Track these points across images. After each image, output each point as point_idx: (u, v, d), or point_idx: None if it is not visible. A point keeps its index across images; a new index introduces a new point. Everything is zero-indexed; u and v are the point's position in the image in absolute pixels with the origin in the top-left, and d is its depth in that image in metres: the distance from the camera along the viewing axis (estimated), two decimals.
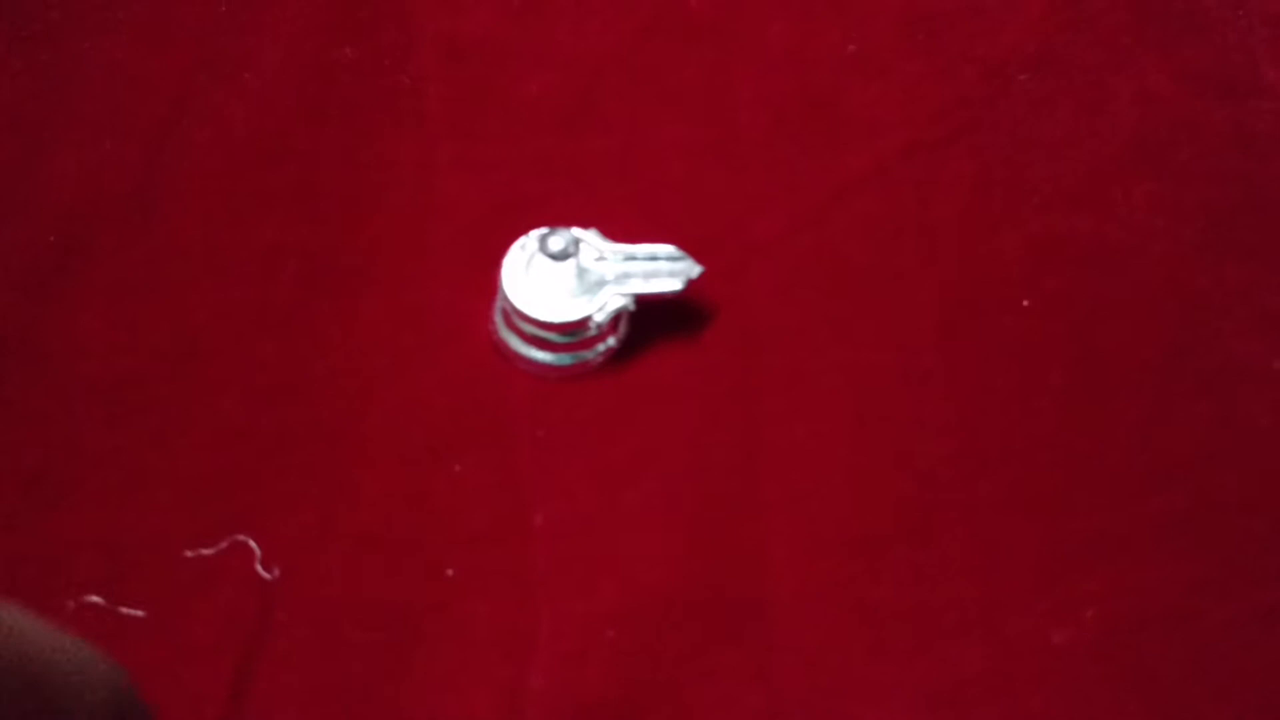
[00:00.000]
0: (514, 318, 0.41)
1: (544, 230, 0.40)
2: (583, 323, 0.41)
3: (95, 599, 0.38)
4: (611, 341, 0.42)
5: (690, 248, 0.41)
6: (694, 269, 0.41)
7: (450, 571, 0.39)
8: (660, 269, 0.41)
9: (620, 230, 0.42)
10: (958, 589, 0.40)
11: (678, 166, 0.47)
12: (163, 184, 0.45)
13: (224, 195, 0.45)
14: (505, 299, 0.41)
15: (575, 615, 0.39)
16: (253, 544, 0.39)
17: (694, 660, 0.38)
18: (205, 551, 0.39)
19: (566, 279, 0.40)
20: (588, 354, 0.42)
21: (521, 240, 0.41)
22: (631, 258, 0.41)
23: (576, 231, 0.41)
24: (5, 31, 0.47)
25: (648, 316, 0.43)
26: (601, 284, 0.40)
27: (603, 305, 0.40)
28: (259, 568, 0.39)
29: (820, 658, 0.39)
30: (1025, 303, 0.45)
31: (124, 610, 0.38)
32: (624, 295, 0.41)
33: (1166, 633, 0.39)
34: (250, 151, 0.45)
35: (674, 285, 0.41)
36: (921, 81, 0.49)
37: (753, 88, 0.48)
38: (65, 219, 0.44)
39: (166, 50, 0.47)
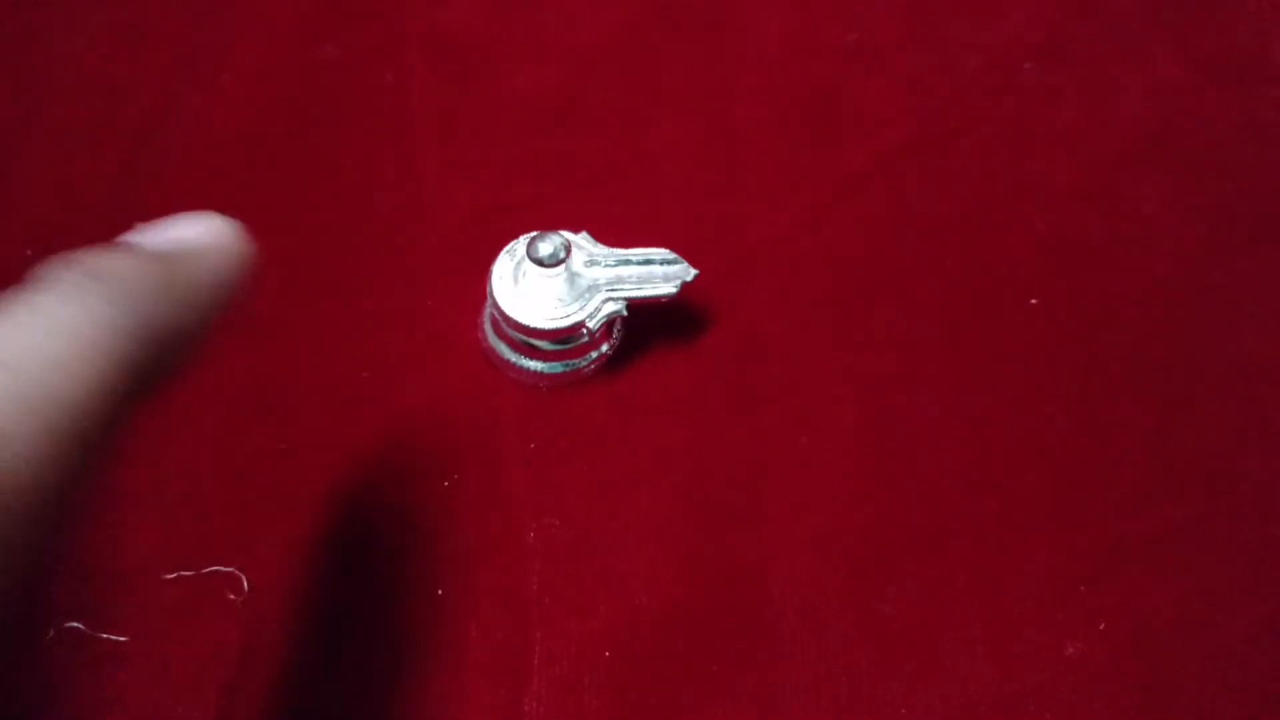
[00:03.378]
0: (503, 325, 0.40)
1: (533, 234, 0.39)
2: (575, 329, 0.39)
3: (75, 625, 0.37)
4: (605, 348, 0.41)
5: (685, 249, 0.40)
6: (689, 272, 0.40)
7: (440, 591, 0.38)
8: (654, 273, 0.39)
9: (612, 232, 0.41)
10: (966, 603, 0.38)
11: (672, 165, 0.45)
12: (141, 193, 0.43)
13: (203, 200, 0.43)
14: (494, 305, 0.39)
15: (570, 636, 0.37)
16: (235, 570, 0.38)
17: (694, 682, 0.37)
18: (186, 574, 0.38)
19: (557, 284, 0.39)
20: (580, 362, 0.41)
21: (510, 245, 0.40)
22: (625, 261, 0.39)
23: (567, 235, 0.39)
24: None
25: (642, 322, 0.41)
26: (594, 289, 0.39)
27: (595, 311, 0.39)
28: (244, 588, 0.38)
29: (825, 677, 0.37)
30: (1033, 301, 0.43)
31: (105, 635, 0.37)
32: (617, 300, 0.39)
33: (1182, 645, 0.38)
34: (230, 157, 0.44)
35: (669, 289, 0.39)
36: (924, 73, 0.48)
37: (749, 82, 0.47)
38: (41, 232, 0.42)
39: (143, 54, 0.46)
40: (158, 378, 0.26)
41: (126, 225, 0.42)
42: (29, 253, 0.42)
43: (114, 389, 0.24)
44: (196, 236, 0.28)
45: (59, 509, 0.23)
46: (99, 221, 0.43)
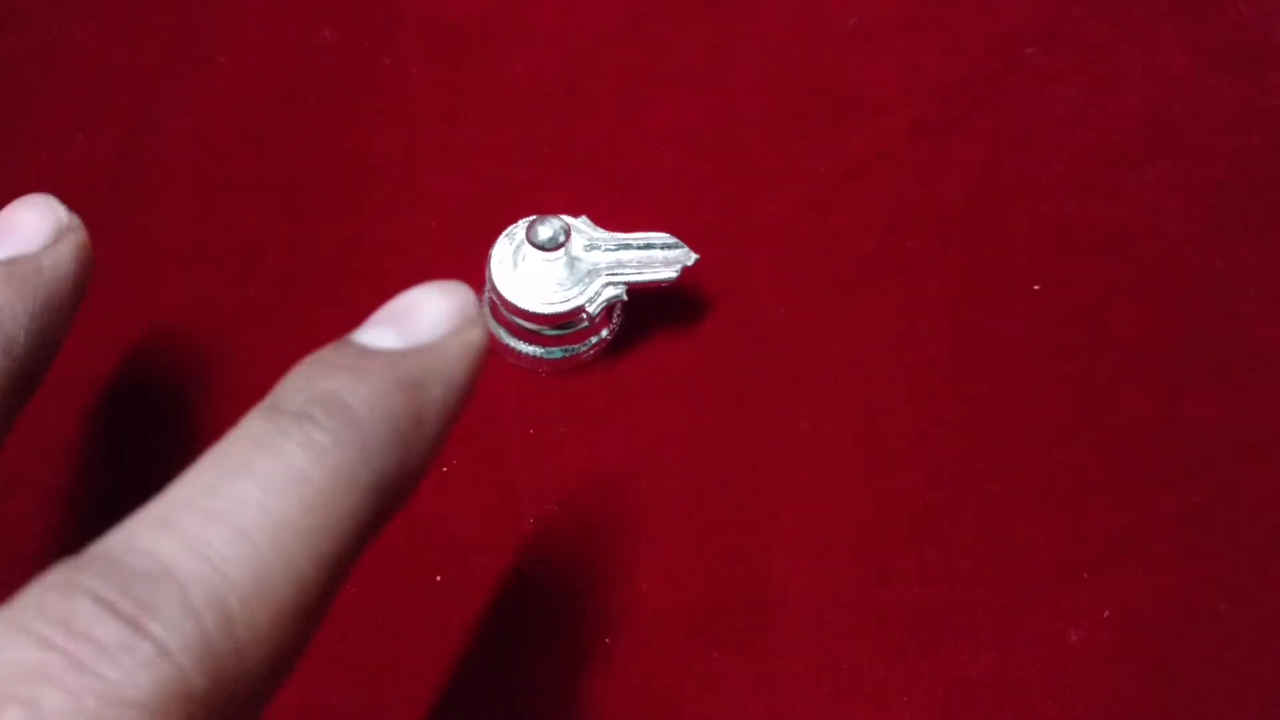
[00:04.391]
0: (502, 309, 0.39)
1: (532, 218, 0.38)
2: (574, 314, 0.39)
3: None
4: (605, 334, 0.41)
5: (686, 235, 0.40)
6: (690, 257, 0.39)
7: (439, 578, 0.37)
8: (655, 257, 0.39)
9: (613, 217, 0.40)
10: (969, 589, 0.38)
11: (672, 150, 0.45)
12: (137, 175, 0.43)
13: (200, 186, 0.43)
14: (493, 290, 0.39)
15: (570, 623, 0.37)
16: None
17: (694, 668, 0.37)
18: None
19: (556, 269, 0.38)
20: (580, 347, 0.40)
21: (509, 229, 0.39)
22: (625, 246, 0.39)
23: (567, 219, 0.39)
24: None
25: (642, 307, 0.41)
26: (593, 274, 0.39)
27: (595, 296, 0.39)
28: None
29: (826, 664, 0.37)
30: (1036, 287, 0.43)
31: None
32: (617, 285, 0.39)
33: (1186, 633, 0.38)
34: (227, 140, 0.44)
35: (669, 274, 0.39)
36: (926, 57, 0.47)
37: (750, 67, 0.47)
38: None
39: (139, 36, 0.45)
40: (378, 529, 0.24)
41: (122, 206, 0.42)
42: None
43: (350, 557, 0.23)
44: (445, 324, 0.26)
45: (273, 685, 0.22)
46: (95, 204, 0.42)
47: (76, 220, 0.29)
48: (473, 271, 0.41)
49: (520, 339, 0.40)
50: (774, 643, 0.37)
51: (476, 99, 0.45)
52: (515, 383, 0.41)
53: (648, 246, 0.39)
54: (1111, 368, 0.42)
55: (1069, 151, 0.46)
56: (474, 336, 0.26)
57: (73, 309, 0.29)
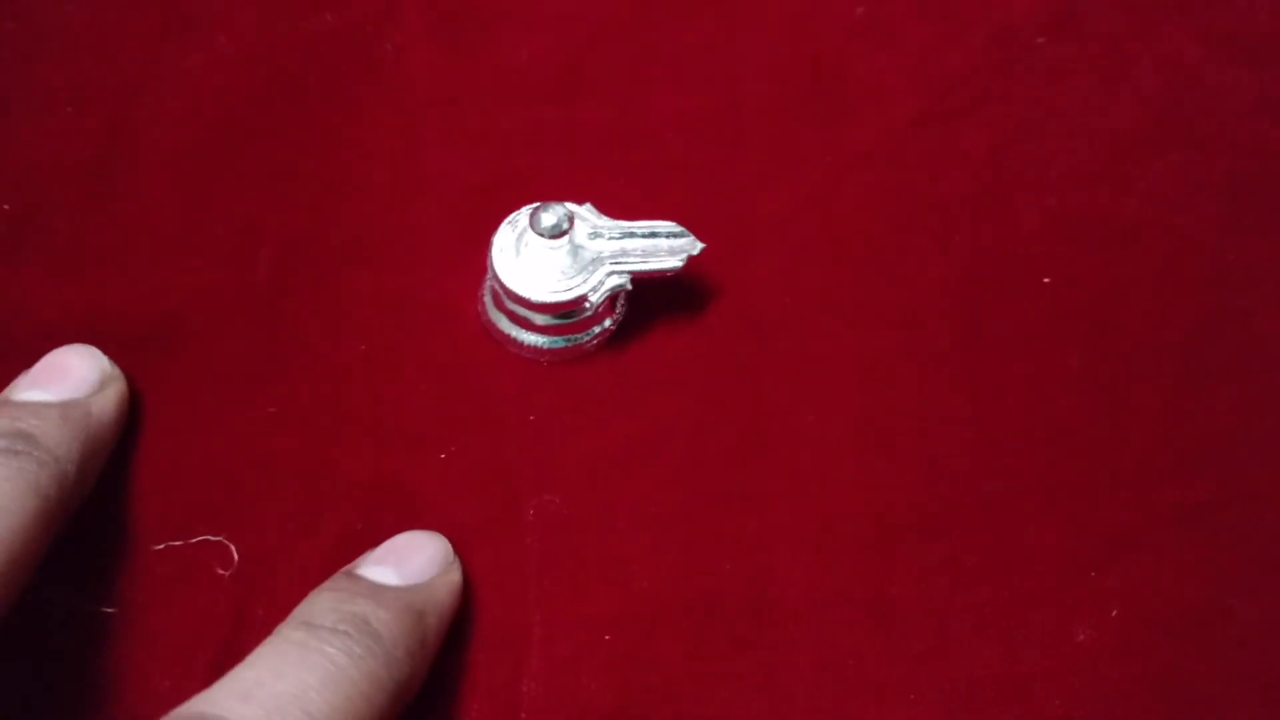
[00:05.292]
0: (504, 298, 0.39)
1: (536, 205, 0.38)
2: (577, 303, 0.38)
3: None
4: (608, 323, 0.40)
5: (690, 223, 0.39)
6: (695, 246, 0.39)
7: None
8: (660, 246, 0.39)
9: (617, 205, 0.40)
10: (974, 586, 0.38)
11: (677, 138, 0.44)
12: (128, 154, 0.42)
13: (195, 168, 0.42)
14: (495, 278, 0.39)
15: (570, 617, 0.37)
16: (224, 540, 0.37)
17: (695, 664, 0.36)
18: (175, 544, 0.37)
19: (560, 257, 0.38)
20: (583, 336, 0.40)
21: (512, 216, 0.39)
22: (629, 234, 0.39)
23: (571, 207, 0.38)
24: None
25: (646, 296, 0.40)
26: (597, 262, 0.38)
27: (599, 285, 0.38)
28: (233, 560, 0.37)
29: (829, 661, 0.37)
30: (1046, 280, 0.42)
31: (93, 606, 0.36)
32: (621, 274, 0.38)
33: (1195, 631, 0.37)
34: (223, 122, 0.43)
35: (674, 263, 0.39)
36: (934, 47, 0.47)
37: (756, 55, 0.46)
38: (24, 188, 0.41)
39: (133, 11, 0.44)
40: None
41: (111, 184, 0.42)
42: (6, 207, 0.41)
43: None
44: (433, 567, 0.35)
45: None
46: (84, 179, 0.42)
47: (118, 370, 0.35)
48: (474, 258, 0.40)
49: (522, 328, 0.40)
50: (776, 638, 0.37)
51: (479, 84, 0.45)
52: (517, 372, 0.40)
53: (653, 235, 0.39)
54: (1120, 362, 0.41)
55: (1078, 143, 0.45)
56: (456, 577, 0.35)
57: (111, 449, 0.34)
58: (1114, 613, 0.37)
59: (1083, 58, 0.47)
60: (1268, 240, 0.44)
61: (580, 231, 0.38)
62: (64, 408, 0.33)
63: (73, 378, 0.34)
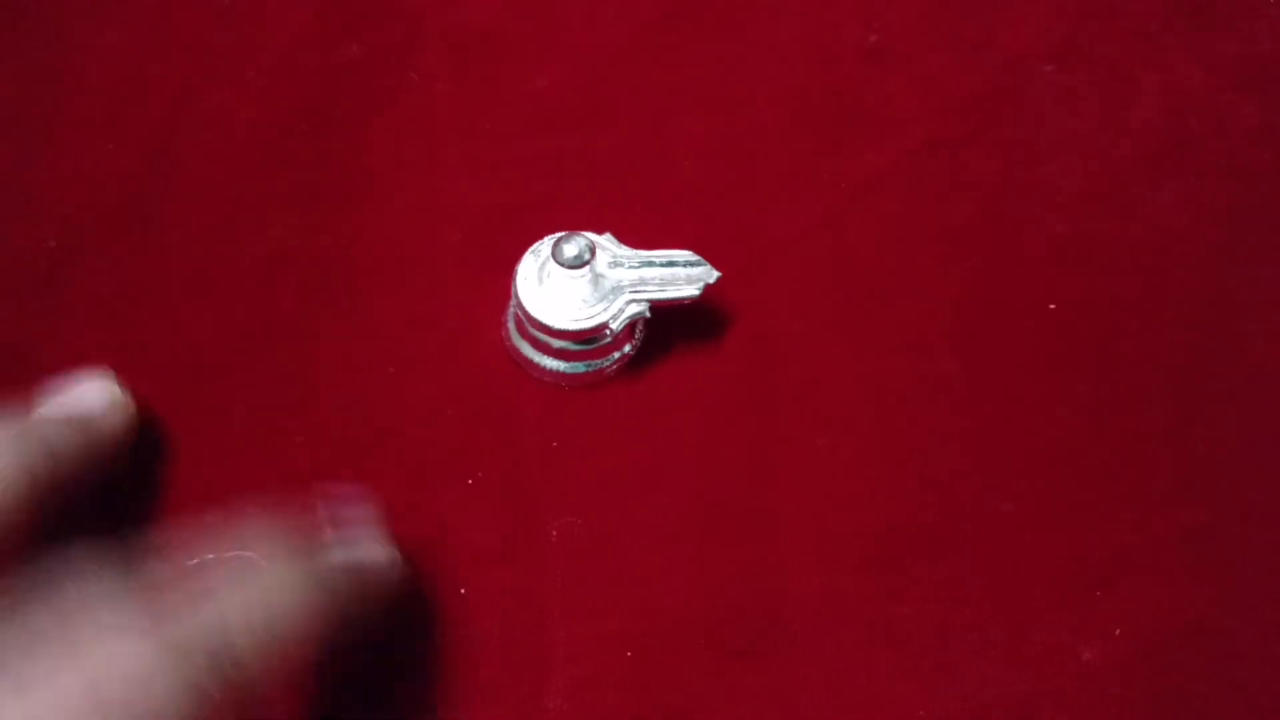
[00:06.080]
0: (527, 325, 0.40)
1: (558, 235, 0.39)
2: (598, 330, 0.39)
3: None
4: (627, 348, 0.41)
5: (705, 248, 0.40)
6: (712, 274, 0.40)
7: (463, 590, 0.38)
8: (678, 275, 0.40)
9: (634, 231, 0.41)
10: (982, 606, 0.39)
11: (692, 165, 0.45)
12: (163, 189, 0.43)
13: (226, 201, 0.44)
14: (519, 306, 0.40)
15: (592, 635, 0.38)
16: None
17: (711, 681, 0.37)
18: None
19: (581, 286, 0.39)
20: (603, 362, 0.41)
21: (535, 246, 0.40)
22: (648, 263, 0.40)
23: (591, 236, 0.39)
24: (2, 32, 0.45)
25: (663, 322, 0.42)
26: (617, 290, 0.39)
27: (619, 312, 0.39)
28: None
29: (840, 679, 0.38)
30: (1051, 306, 0.43)
31: None
32: (640, 302, 0.39)
33: (1198, 651, 0.38)
34: (253, 154, 0.44)
35: (692, 291, 0.40)
36: (944, 73, 0.48)
37: (769, 83, 0.47)
38: (64, 223, 0.42)
39: (167, 49, 0.46)
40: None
41: (148, 217, 0.43)
42: (52, 244, 0.42)
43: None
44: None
45: None
46: (121, 213, 0.43)
47: (127, 396, 0.38)
48: (496, 284, 0.42)
49: (544, 354, 0.41)
50: (788, 656, 0.38)
51: (498, 113, 0.46)
52: (539, 397, 0.41)
53: (671, 264, 0.40)
54: (1123, 385, 0.42)
55: (1084, 169, 0.46)
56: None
57: (117, 460, 0.38)
58: (1118, 631, 0.38)
59: (1089, 85, 0.48)
60: (1270, 266, 0.45)
61: (601, 261, 0.39)
62: (81, 421, 0.37)
63: (87, 401, 0.37)
